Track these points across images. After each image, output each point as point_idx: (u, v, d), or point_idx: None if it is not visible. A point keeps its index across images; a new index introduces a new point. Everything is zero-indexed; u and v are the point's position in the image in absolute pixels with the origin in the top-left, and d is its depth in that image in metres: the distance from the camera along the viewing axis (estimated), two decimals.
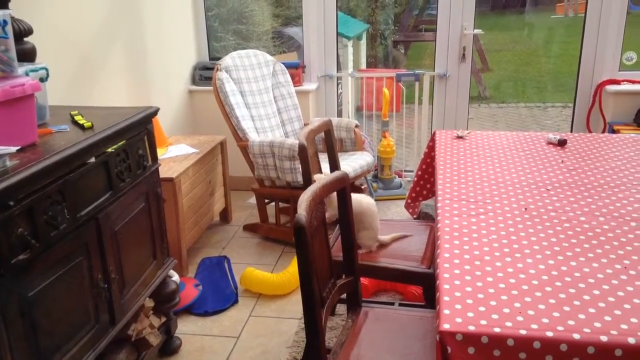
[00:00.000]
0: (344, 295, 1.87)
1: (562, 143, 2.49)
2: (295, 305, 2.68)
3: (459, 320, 1.27)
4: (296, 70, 3.87)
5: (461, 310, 1.31)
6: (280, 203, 3.32)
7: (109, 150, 1.79)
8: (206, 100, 3.83)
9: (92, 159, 1.70)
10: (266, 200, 3.37)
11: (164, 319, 2.29)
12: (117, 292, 1.85)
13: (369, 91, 4.39)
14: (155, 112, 2.07)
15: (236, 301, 2.73)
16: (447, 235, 1.68)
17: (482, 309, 1.31)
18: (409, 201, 2.82)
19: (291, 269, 2.83)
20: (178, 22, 3.80)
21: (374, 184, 3.90)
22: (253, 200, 3.57)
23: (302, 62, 3.99)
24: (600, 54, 3.73)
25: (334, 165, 2.47)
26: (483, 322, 1.26)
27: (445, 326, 1.25)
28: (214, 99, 3.32)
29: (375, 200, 3.83)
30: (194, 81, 3.98)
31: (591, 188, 2.02)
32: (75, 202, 1.61)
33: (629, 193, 1.96)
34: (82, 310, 1.68)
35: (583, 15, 3.79)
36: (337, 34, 3.99)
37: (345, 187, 1.77)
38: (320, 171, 2.44)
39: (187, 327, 2.54)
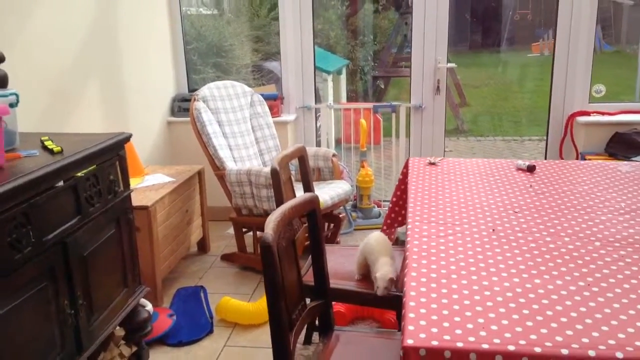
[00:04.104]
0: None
1: (531, 169, 2.55)
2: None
3: (422, 335, 1.27)
4: (275, 102, 3.92)
5: (425, 326, 1.31)
6: (257, 232, 3.32)
7: (79, 174, 1.79)
8: (185, 131, 3.84)
9: (61, 183, 1.70)
10: (244, 230, 3.36)
11: (135, 349, 2.24)
12: (85, 319, 1.82)
13: (347, 123, 4.46)
14: (127, 138, 2.09)
15: (211, 331, 2.68)
16: (415, 255, 1.69)
17: (446, 324, 1.32)
18: (385, 228, 2.84)
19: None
20: (157, 55, 3.85)
21: (353, 214, 3.92)
22: (232, 230, 3.56)
23: (280, 93, 4.05)
24: (570, 87, 3.85)
25: (308, 192, 2.48)
26: (446, 337, 1.27)
27: (409, 342, 1.25)
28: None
29: (355, 229, 3.85)
30: (172, 113, 4.01)
31: (558, 210, 2.05)
32: (41, 225, 1.60)
33: (594, 215, 2.00)
34: (47, 337, 1.65)
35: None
36: (315, 67, 4.07)
37: (314, 209, 1.78)
38: (294, 197, 2.44)
39: (160, 358, 2.49)
